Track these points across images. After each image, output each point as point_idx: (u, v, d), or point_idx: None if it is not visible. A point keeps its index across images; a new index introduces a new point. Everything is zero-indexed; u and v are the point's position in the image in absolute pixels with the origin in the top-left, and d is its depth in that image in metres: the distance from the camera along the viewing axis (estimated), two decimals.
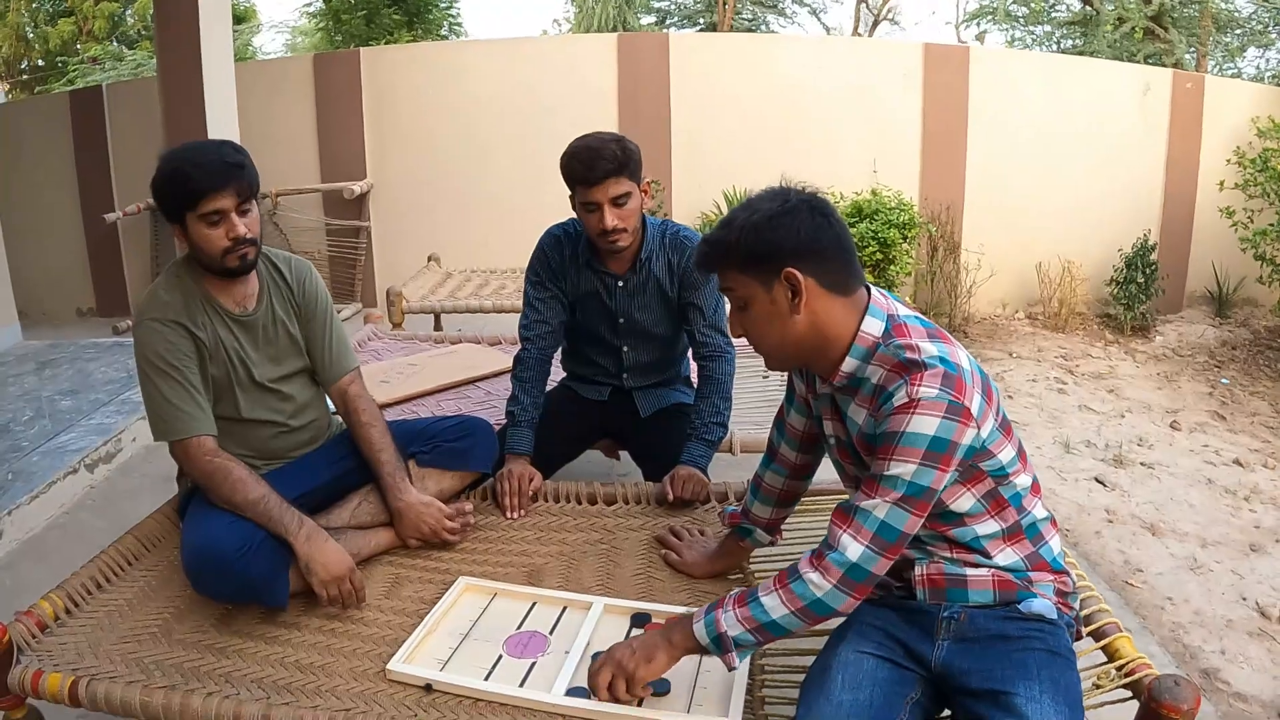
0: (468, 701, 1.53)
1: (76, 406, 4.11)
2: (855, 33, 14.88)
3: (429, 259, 5.10)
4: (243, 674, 1.61)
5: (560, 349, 2.61)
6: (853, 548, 1.35)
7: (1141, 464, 3.94)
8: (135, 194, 6.50)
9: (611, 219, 2.18)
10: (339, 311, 2.16)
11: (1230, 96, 6.69)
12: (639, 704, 1.50)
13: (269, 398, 2.03)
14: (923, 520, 1.37)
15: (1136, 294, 6.05)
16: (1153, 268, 6.06)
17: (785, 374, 1.79)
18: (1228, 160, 6.16)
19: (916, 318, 1.46)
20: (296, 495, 1.92)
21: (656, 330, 2.44)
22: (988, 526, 1.44)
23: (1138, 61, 9.71)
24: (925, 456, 1.32)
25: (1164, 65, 9.46)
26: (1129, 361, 5.63)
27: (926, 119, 6.47)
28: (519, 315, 2.51)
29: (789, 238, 1.39)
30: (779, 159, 6.02)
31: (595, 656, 1.56)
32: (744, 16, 15.09)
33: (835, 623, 1.50)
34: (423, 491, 2.07)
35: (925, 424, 1.32)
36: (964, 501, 1.42)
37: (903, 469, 1.33)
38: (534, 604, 1.82)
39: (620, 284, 2.38)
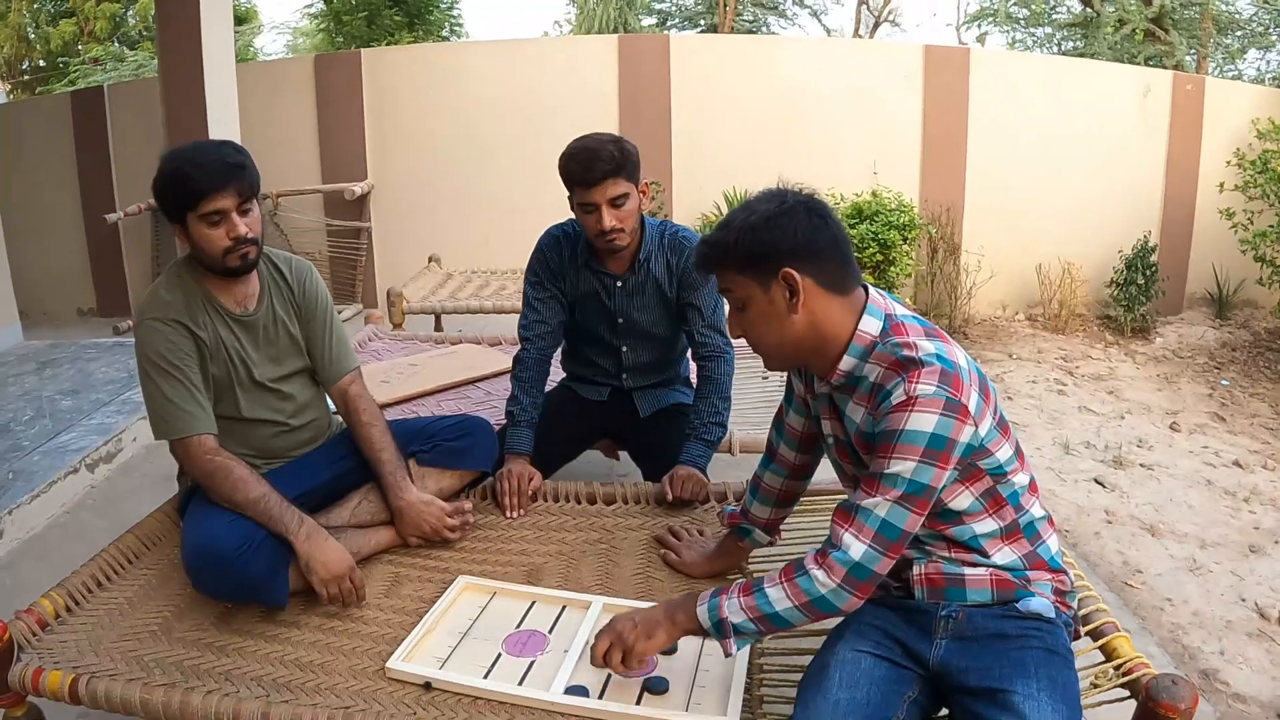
0: (467, 700, 1.54)
1: (77, 406, 4.12)
2: (856, 34, 14.90)
3: (429, 260, 5.11)
4: (242, 672, 1.62)
5: (560, 349, 2.61)
6: (855, 547, 1.36)
7: (1141, 465, 3.94)
8: (136, 194, 6.51)
9: (609, 220, 2.18)
10: (339, 312, 2.17)
11: (1230, 98, 6.70)
12: (638, 701, 1.51)
13: (269, 397, 2.03)
14: (924, 518, 1.38)
15: (1136, 296, 6.05)
16: (1153, 269, 6.06)
17: (784, 374, 1.80)
18: (1228, 162, 6.16)
19: (914, 317, 1.47)
20: (296, 494, 1.92)
21: (655, 330, 2.45)
22: (986, 525, 1.45)
23: (1138, 63, 9.72)
24: (924, 454, 1.33)
25: (1164, 67, 9.46)
26: (1129, 363, 5.64)
27: (927, 121, 6.48)
28: (519, 316, 2.51)
29: (786, 238, 1.39)
30: (779, 160, 6.04)
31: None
32: (745, 18, 15.10)
33: (834, 622, 1.50)
34: (422, 490, 2.08)
35: (924, 421, 1.32)
36: (962, 500, 1.43)
37: (902, 466, 1.34)
38: (533, 603, 1.82)
39: (619, 284, 2.38)
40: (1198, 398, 4.97)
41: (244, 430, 2.00)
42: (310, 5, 14.35)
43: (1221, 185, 6.00)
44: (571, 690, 1.53)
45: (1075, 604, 1.55)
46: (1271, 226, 5.56)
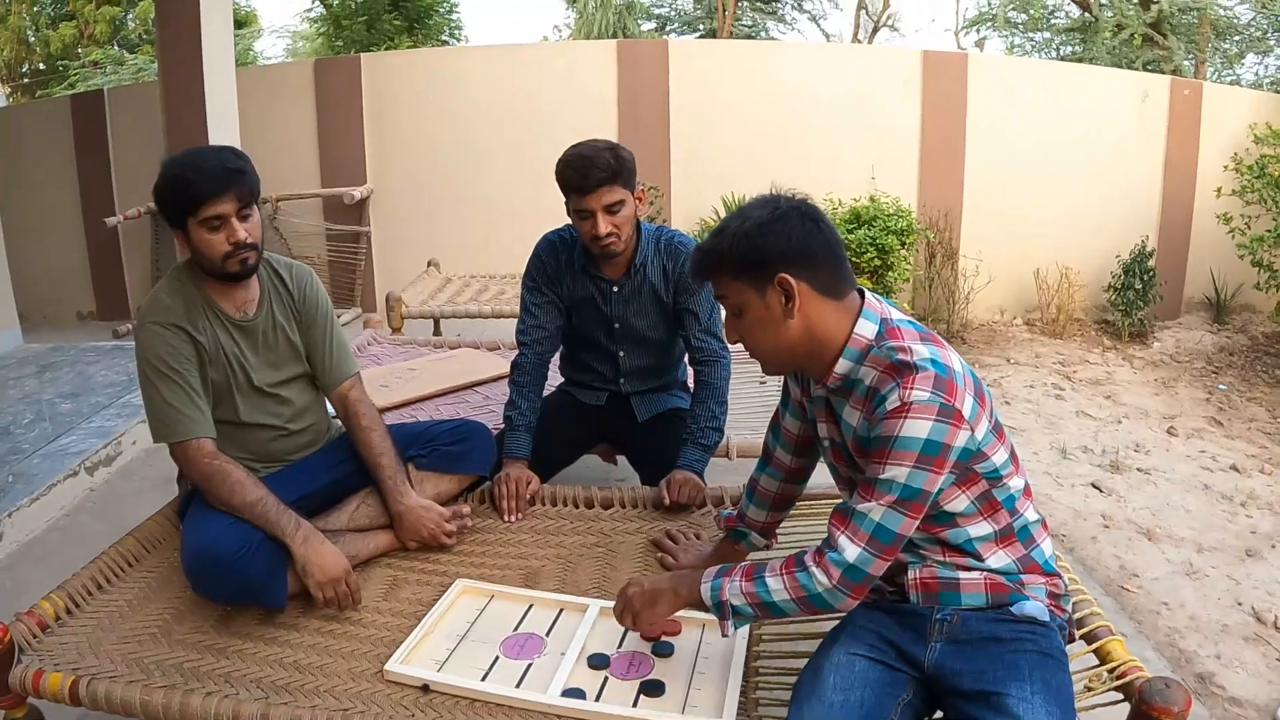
0: (464, 702, 1.55)
1: (77, 409, 4.12)
2: (855, 39, 14.92)
3: (428, 264, 5.12)
4: (242, 674, 1.63)
5: (558, 354, 2.62)
6: (850, 549, 1.38)
7: (1138, 470, 3.95)
8: (136, 198, 6.52)
9: (604, 226, 2.20)
10: (339, 316, 2.18)
11: (1228, 103, 6.72)
12: (634, 703, 1.52)
13: (267, 402, 2.04)
14: (918, 521, 1.39)
15: (1134, 300, 6.06)
16: (1150, 274, 6.08)
17: (781, 379, 1.81)
18: (1225, 167, 6.18)
19: (909, 322, 1.49)
20: (295, 498, 1.93)
21: (652, 335, 2.46)
22: (980, 528, 1.46)
23: (1136, 68, 9.73)
24: (919, 460, 1.34)
25: (1163, 72, 9.48)
26: (1126, 368, 5.65)
27: (925, 126, 6.49)
28: (517, 321, 2.52)
29: (780, 244, 1.41)
30: (778, 165, 6.03)
31: (592, 658, 1.64)
32: (744, 23, 15.13)
33: (830, 622, 1.52)
34: (421, 495, 2.09)
35: (918, 428, 1.34)
36: (958, 503, 1.44)
37: (896, 472, 1.35)
38: (531, 606, 1.83)
39: (615, 289, 2.39)
40: (1195, 402, 4.98)
41: (243, 434, 2.01)
42: (310, 9, 14.40)
43: (1219, 190, 6.01)
44: (568, 692, 1.54)
45: (1069, 607, 1.56)
46: (1269, 231, 5.57)
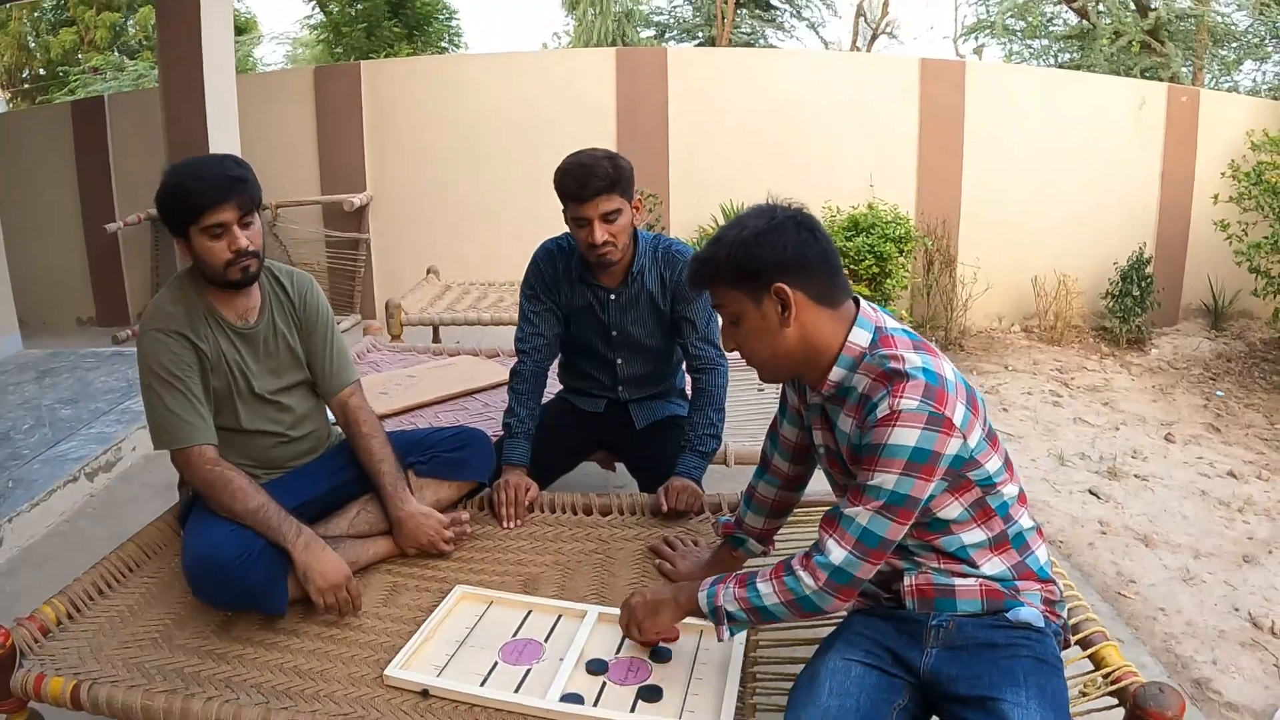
0: (463, 707, 1.56)
1: (76, 415, 4.13)
2: (853, 47, 14.94)
3: (428, 271, 5.14)
4: (242, 679, 1.63)
5: (557, 362, 2.63)
6: (836, 552, 1.40)
7: (1136, 476, 3.96)
8: (136, 204, 6.53)
9: (601, 234, 2.21)
10: (338, 323, 2.19)
11: (1225, 110, 6.74)
12: (632, 709, 1.53)
13: (268, 409, 2.05)
14: (906, 528, 1.40)
15: (1132, 307, 6.08)
16: (1148, 281, 6.09)
17: (779, 386, 1.83)
18: (1223, 174, 6.19)
19: (904, 330, 1.50)
20: (296, 504, 1.94)
21: (649, 343, 2.47)
22: (974, 535, 1.47)
23: (1134, 75, 9.77)
24: (907, 467, 1.36)
25: (1160, 79, 9.51)
26: (1124, 374, 5.66)
27: (923, 133, 6.51)
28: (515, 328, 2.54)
29: (777, 254, 1.42)
30: (777, 173, 6.09)
31: (590, 663, 1.64)
32: (743, 31, 15.16)
33: (826, 628, 1.53)
34: (420, 501, 2.10)
35: (906, 436, 1.35)
36: (951, 510, 1.45)
37: (884, 479, 1.37)
38: (529, 612, 1.84)
39: (613, 297, 2.40)
40: (1193, 409, 4.99)
41: (244, 441, 2.03)
42: (310, 16, 14.43)
43: (1216, 197, 6.02)
44: (567, 698, 1.55)
45: (1065, 613, 1.58)
46: (1266, 238, 5.58)
